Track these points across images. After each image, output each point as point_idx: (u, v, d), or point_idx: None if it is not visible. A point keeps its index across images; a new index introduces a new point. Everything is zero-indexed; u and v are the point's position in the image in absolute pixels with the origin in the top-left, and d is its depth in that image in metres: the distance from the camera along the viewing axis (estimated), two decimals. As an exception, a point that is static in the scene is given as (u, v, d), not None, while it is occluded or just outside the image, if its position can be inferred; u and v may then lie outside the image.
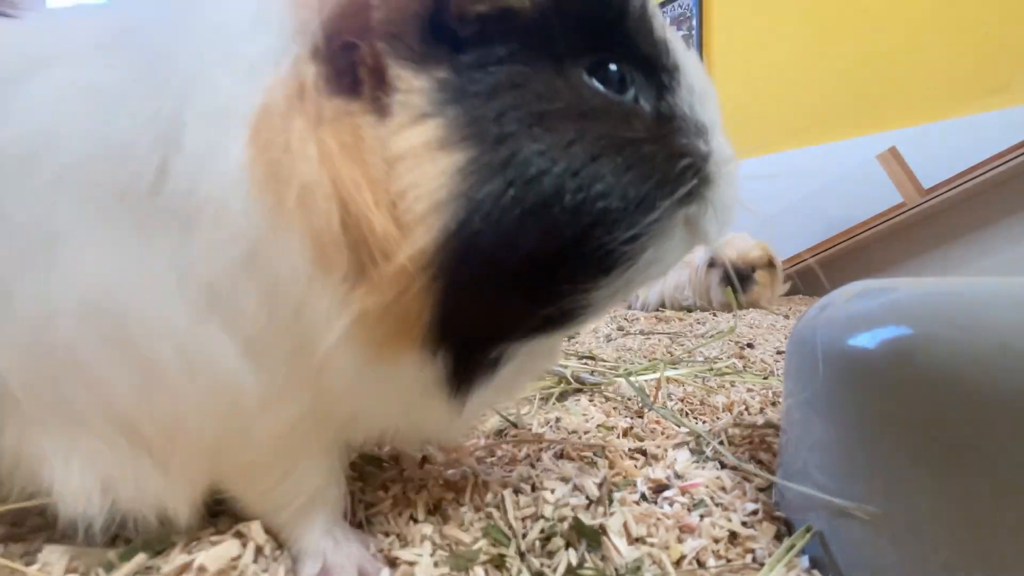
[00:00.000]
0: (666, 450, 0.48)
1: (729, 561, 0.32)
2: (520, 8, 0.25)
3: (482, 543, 0.33)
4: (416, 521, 0.36)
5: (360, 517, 0.37)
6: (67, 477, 0.26)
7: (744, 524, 0.35)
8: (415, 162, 0.22)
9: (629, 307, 1.89)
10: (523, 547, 0.33)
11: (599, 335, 1.24)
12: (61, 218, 0.23)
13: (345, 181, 0.21)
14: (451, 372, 0.27)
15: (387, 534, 0.35)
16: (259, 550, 0.31)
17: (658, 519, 0.36)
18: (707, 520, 0.35)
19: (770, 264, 1.82)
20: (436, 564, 0.31)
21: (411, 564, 0.31)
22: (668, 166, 0.28)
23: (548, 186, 0.24)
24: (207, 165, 0.21)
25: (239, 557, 0.30)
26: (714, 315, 1.61)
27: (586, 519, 0.35)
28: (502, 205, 0.23)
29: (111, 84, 0.23)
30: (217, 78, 0.22)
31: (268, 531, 0.32)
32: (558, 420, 0.56)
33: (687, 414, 0.60)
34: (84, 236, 0.23)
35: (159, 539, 0.32)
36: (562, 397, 0.66)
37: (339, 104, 0.23)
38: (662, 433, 0.53)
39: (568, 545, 0.33)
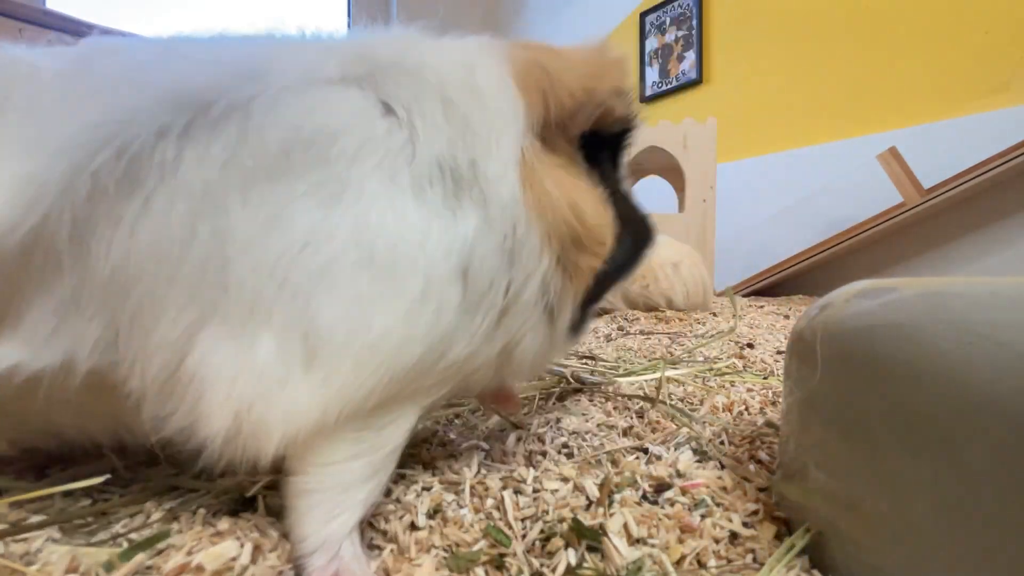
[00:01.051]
0: (667, 449, 0.48)
1: (730, 561, 0.32)
2: (590, 129, 0.39)
3: (482, 544, 0.33)
4: (416, 528, 0.35)
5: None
6: (221, 387, 0.29)
7: (745, 524, 0.35)
8: (598, 206, 0.38)
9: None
10: (523, 548, 0.33)
11: (599, 335, 1.24)
12: (353, 178, 0.31)
13: (575, 202, 0.36)
14: (580, 318, 0.40)
15: (381, 548, 0.34)
16: (257, 550, 0.31)
17: (659, 519, 0.36)
18: (708, 520, 0.35)
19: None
20: (436, 567, 0.31)
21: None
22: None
23: (639, 218, 0.42)
24: (500, 183, 0.34)
25: (237, 557, 0.30)
26: (714, 315, 1.61)
27: (586, 519, 0.35)
28: (625, 234, 0.40)
29: (433, 113, 0.34)
30: (504, 142, 0.35)
31: (263, 529, 0.32)
32: (559, 420, 0.56)
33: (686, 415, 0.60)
34: (371, 192, 0.31)
35: (158, 538, 0.32)
36: (562, 397, 0.66)
37: (551, 159, 0.37)
38: (663, 432, 0.53)
39: (567, 545, 0.33)
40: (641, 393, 0.67)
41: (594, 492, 0.38)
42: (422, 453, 0.46)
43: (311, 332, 0.29)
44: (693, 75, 3.05)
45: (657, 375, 0.74)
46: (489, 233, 0.33)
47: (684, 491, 0.39)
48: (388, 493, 0.39)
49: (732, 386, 0.71)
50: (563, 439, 0.51)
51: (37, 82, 0.33)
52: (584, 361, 0.90)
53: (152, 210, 0.30)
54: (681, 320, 1.48)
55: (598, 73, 0.39)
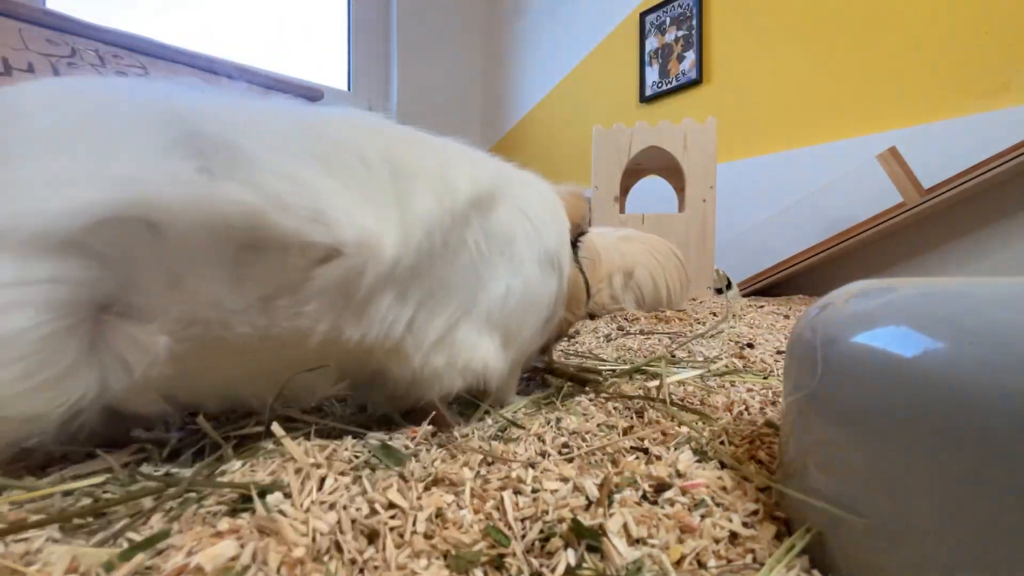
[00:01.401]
0: (667, 449, 0.48)
1: (730, 561, 0.32)
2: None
3: (481, 544, 0.33)
4: (416, 532, 0.35)
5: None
6: (478, 354, 0.54)
7: (745, 524, 0.35)
8: (581, 281, 0.73)
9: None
10: (522, 548, 0.33)
11: (599, 335, 1.24)
12: (526, 259, 0.58)
13: (576, 277, 0.71)
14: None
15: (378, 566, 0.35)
16: (257, 550, 0.31)
17: (659, 520, 0.35)
18: (708, 520, 0.35)
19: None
20: (436, 569, 0.31)
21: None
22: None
23: (585, 282, 0.75)
24: (565, 268, 0.65)
25: (237, 557, 0.30)
26: (714, 315, 1.60)
27: (586, 520, 0.35)
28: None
29: (548, 227, 0.63)
30: (567, 247, 0.66)
31: (263, 530, 0.32)
32: (559, 420, 0.56)
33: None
34: (531, 268, 0.59)
35: (158, 538, 0.32)
36: (562, 397, 0.66)
37: (570, 256, 0.69)
38: (663, 432, 0.53)
39: (567, 546, 0.33)
40: (641, 393, 0.67)
41: (594, 492, 0.38)
42: (422, 455, 0.46)
43: (513, 333, 0.58)
44: (693, 75, 3.05)
45: (658, 373, 0.74)
46: (560, 290, 0.63)
47: (684, 491, 0.39)
48: (388, 497, 0.39)
49: (732, 386, 0.71)
50: (563, 439, 0.51)
51: (352, 160, 0.47)
52: (583, 361, 0.90)
53: (460, 253, 0.52)
54: (681, 320, 1.48)
55: (578, 212, 0.71)
